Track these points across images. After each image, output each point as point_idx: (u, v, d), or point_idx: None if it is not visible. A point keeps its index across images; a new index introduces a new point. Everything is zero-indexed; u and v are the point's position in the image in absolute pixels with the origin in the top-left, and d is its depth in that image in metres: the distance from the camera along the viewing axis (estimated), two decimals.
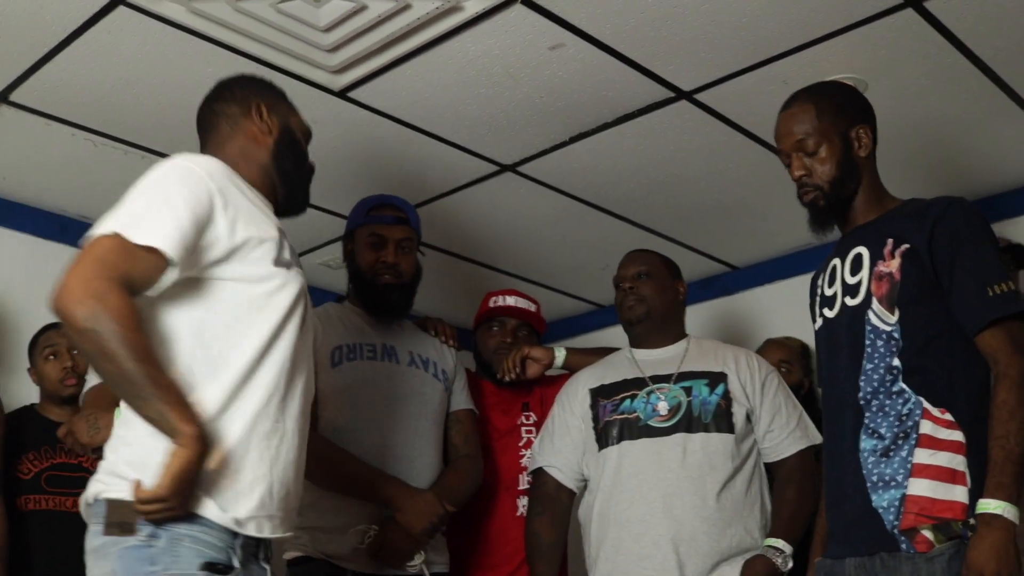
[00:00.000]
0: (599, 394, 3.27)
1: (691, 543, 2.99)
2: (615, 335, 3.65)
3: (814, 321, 2.66)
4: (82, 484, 3.43)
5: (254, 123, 2.43)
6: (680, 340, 3.34)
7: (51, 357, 3.68)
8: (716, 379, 3.18)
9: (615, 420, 3.19)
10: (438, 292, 4.79)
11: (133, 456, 2.10)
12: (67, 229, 4.29)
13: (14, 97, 3.47)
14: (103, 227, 2.08)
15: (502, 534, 3.50)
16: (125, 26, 3.10)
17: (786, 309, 4.70)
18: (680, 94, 3.55)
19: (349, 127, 3.69)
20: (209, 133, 2.46)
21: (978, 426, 2.28)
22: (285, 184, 2.42)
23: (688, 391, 3.16)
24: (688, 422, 3.11)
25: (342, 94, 3.50)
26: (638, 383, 3.22)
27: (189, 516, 2.06)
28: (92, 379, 3.41)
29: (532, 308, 3.80)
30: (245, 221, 2.21)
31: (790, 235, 4.56)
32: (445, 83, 3.44)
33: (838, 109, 2.56)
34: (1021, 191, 4.23)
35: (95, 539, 2.14)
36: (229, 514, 2.09)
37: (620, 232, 4.54)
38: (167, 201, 2.12)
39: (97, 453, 3.05)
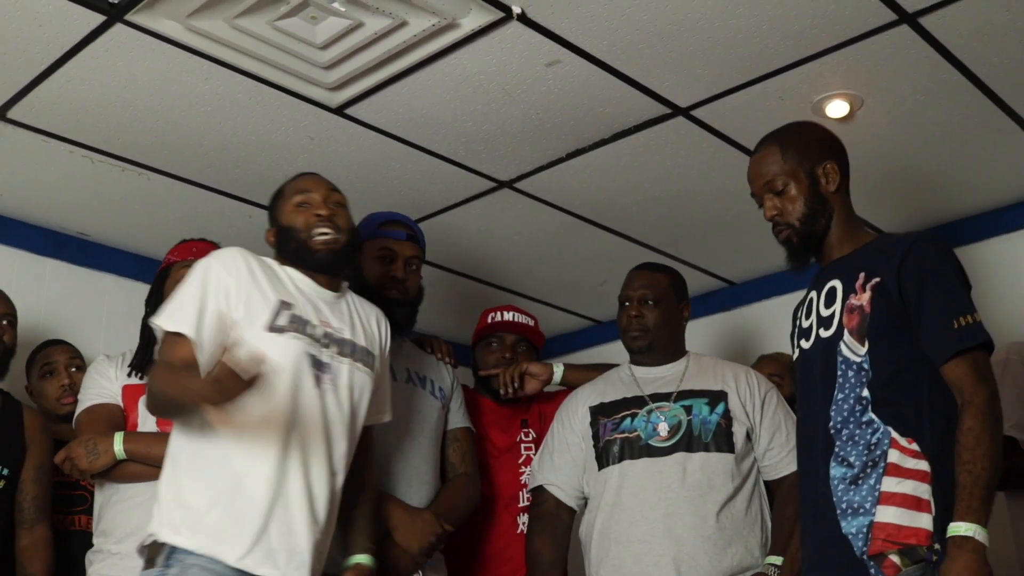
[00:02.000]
0: (599, 412, 3.26)
1: (692, 563, 2.99)
2: (613, 351, 3.64)
3: (793, 352, 2.75)
4: (80, 503, 3.46)
5: (269, 243, 2.84)
6: (680, 358, 3.34)
7: (48, 375, 3.67)
8: (716, 398, 3.18)
9: (615, 439, 3.18)
10: (435, 308, 4.78)
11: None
12: (64, 246, 4.30)
13: (12, 114, 3.47)
14: None
15: (502, 552, 3.49)
16: (123, 44, 3.11)
17: (784, 325, 4.65)
18: (676, 110, 3.56)
19: (346, 144, 3.70)
20: None
21: (943, 456, 2.35)
22: (302, 267, 2.74)
23: (688, 410, 3.16)
24: (688, 441, 3.11)
25: (339, 111, 3.50)
26: (638, 401, 3.22)
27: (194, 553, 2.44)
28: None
29: (531, 323, 3.79)
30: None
31: None
32: (442, 100, 3.45)
33: (803, 148, 2.65)
34: (1016, 206, 4.24)
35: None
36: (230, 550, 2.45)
37: (617, 248, 4.54)
38: None
39: (96, 478, 3.05)
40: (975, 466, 2.27)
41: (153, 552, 2.47)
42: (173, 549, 2.44)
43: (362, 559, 2.78)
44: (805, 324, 2.66)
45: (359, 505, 2.82)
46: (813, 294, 2.66)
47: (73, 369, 3.67)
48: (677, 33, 3.13)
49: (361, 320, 2.80)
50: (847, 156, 2.72)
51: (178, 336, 2.52)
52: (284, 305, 2.61)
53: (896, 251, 2.49)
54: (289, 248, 2.73)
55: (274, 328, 2.58)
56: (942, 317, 2.40)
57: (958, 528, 2.24)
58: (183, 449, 2.56)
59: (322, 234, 2.69)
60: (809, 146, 2.66)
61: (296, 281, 2.72)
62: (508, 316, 3.75)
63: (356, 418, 2.71)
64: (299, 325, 2.61)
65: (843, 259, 2.61)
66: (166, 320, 2.56)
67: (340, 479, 2.65)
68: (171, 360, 2.50)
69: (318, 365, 2.61)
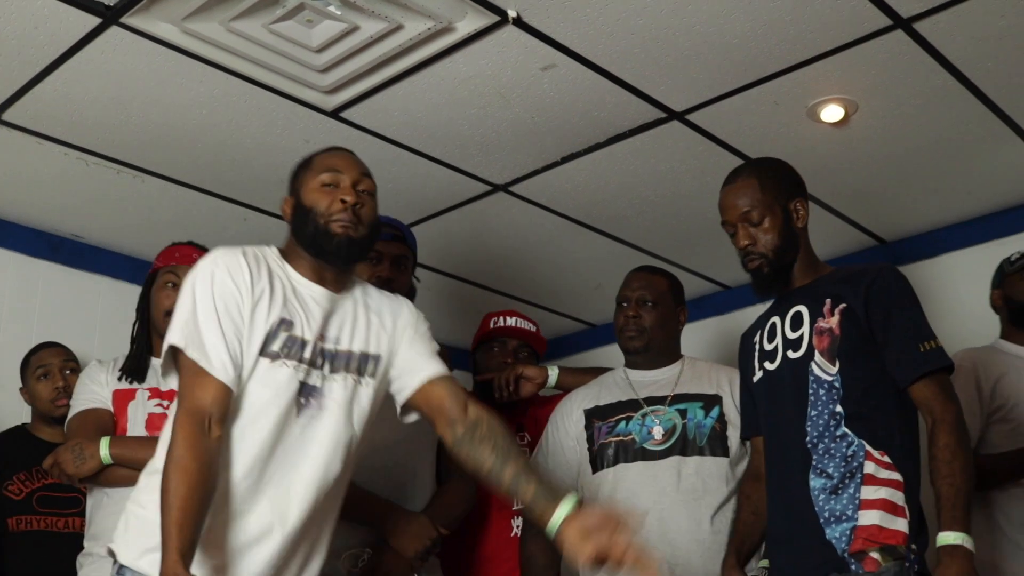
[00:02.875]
0: (594, 415, 3.26)
1: (686, 566, 2.99)
2: (608, 354, 3.65)
3: (752, 374, 2.88)
4: (73, 505, 3.46)
5: (284, 214, 2.58)
6: (675, 362, 3.34)
7: (43, 377, 3.67)
8: (711, 402, 3.18)
9: (610, 442, 3.18)
10: (430, 311, 4.76)
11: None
12: (59, 248, 4.30)
13: (6, 116, 3.47)
14: None
15: (497, 555, 3.49)
16: (118, 46, 3.10)
17: None
18: (671, 114, 3.56)
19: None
20: None
21: (911, 467, 2.58)
22: (313, 251, 2.48)
23: (683, 414, 3.16)
24: (683, 445, 3.11)
25: (334, 114, 3.51)
26: (633, 405, 3.22)
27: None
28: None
29: (532, 329, 3.80)
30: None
31: None
32: (437, 103, 3.45)
33: (778, 183, 2.80)
34: (1012, 210, 4.25)
35: None
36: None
37: (612, 251, 4.54)
38: None
39: (84, 483, 3.05)
40: (955, 479, 2.45)
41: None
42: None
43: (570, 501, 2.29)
44: (768, 347, 2.82)
45: (517, 455, 2.43)
46: (776, 319, 2.82)
47: (67, 371, 3.67)
48: (672, 37, 3.13)
49: (367, 318, 2.53)
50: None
51: (207, 377, 2.27)
52: (282, 324, 2.38)
53: (862, 280, 2.67)
54: (305, 230, 2.46)
55: (266, 353, 2.35)
56: (909, 342, 2.60)
57: (947, 538, 2.42)
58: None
59: (342, 222, 2.44)
60: (784, 182, 2.83)
61: (295, 283, 2.47)
62: (511, 321, 3.75)
63: (354, 432, 2.46)
64: (293, 349, 2.37)
65: (805, 287, 2.79)
66: (199, 355, 2.29)
67: (336, 501, 2.48)
68: (194, 418, 2.23)
69: (304, 391, 2.38)
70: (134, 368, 3.21)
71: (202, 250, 3.29)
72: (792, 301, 2.78)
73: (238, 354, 2.31)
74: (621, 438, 3.17)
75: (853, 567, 2.50)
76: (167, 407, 3.16)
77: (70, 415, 3.17)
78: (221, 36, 3.06)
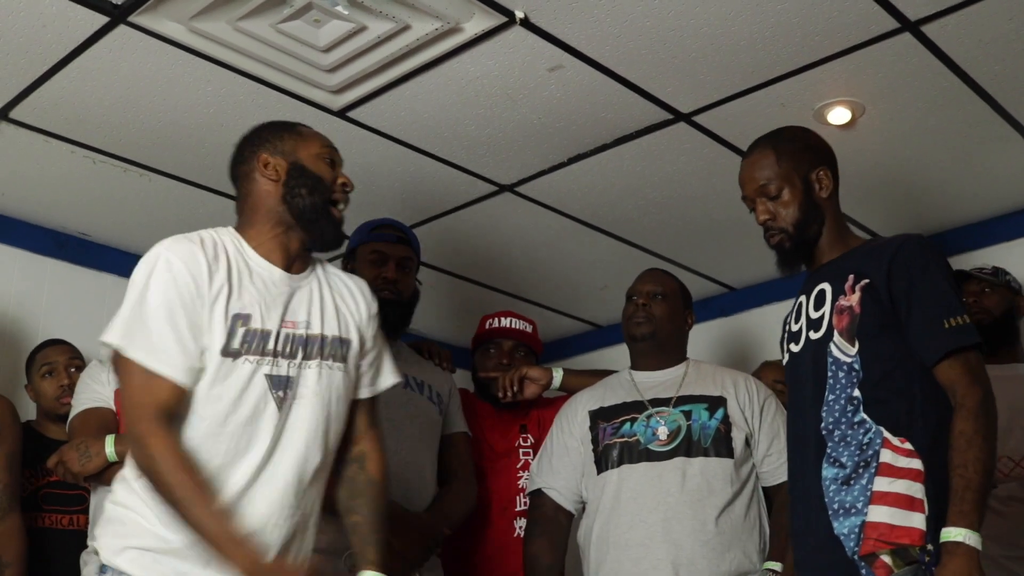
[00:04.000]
0: (599, 416, 3.26)
1: (690, 567, 2.99)
2: (613, 355, 3.64)
3: (783, 356, 2.73)
4: (78, 502, 3.47)
5: (263, 174, 2.44)
6: (680, 363, 3.34)
7: (48, 375, 3.67)
8: (715, 403, 3.18)
9: (615, 443, 3.18)
10: (436, 311, 4.79)
11: None
12: (65, 246, 4.30)
13: (14, 114, 3.48)
14: None
15: (499, 556, 3.50)
16: (126, 45, 3.11)
17: None
18: (678, 116, 3.56)
19: (348, 147, 3.65)
20: (238, 200, 2.51)
21: (936, 455, 2.34)
22: (303, 220, 2.40)
23: (688, 415, 3.16)
24: (688, 446, 3.11)
25: (341, 114, 3.51)
26: (637, 406, 3.22)
27: None
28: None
29: (528, 329, 3.80)
30: None
31: None
32: (444, 103, 3.45)
33: (797, 153, 2.65)
34: (1019, 214, 4.24)
35: None
36: None
37: (618, 252, 4.54)
38: None
39: (89, 481, 3.05)
40: (966, 470, 2.26)
41: None
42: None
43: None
44: (794, 328, 2.66)
45: (361, 507, 2.52)
46: (803, 298, 2.66)
47: (72, 369, 3.67)
48: (680, 39, 3.13)
49: (333, 299, 2.47)
50: (837, 162, 2.71)
51: (156, 379, 2.18)
52: (238, 319, 2.27)
53: (885, 252, 2.50)
54: (304, 195, 2.38)
55: (228, 352, 2.24)
56: (932, 317, 2.40)
57: (949, 533, 2.24)
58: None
59: (340, 205, 2.43)
60: (804, 151, 2.67)
61: (253, 267, 2.36)
62: (506, 322, 3.76)
63: (331, 420, 2.40)
64: (253, 343, 2.28)
65: (832, 263, 2.62)
66: (145, 355, 2.19)
67: (319, 487, 2.42)
68: (150, 415, 2.16)
69: (279, 383, 2.29)
70: None
71: None
72: (818, 278, 2.62)
73: (193, 352, 2.21)
74: (626, 439, 3.17)
75: (864, 572, 2.35)
76: None
77: (72, 414, 3.17)
78: (228, 35, 3.06)
